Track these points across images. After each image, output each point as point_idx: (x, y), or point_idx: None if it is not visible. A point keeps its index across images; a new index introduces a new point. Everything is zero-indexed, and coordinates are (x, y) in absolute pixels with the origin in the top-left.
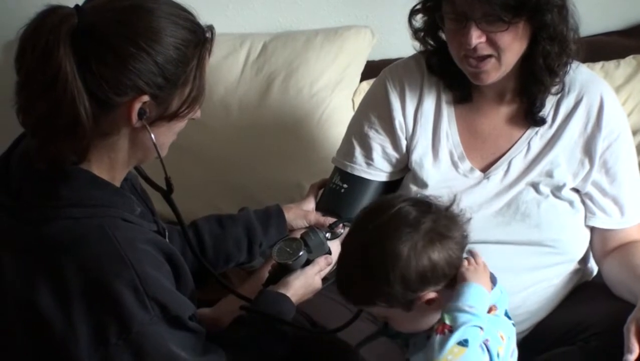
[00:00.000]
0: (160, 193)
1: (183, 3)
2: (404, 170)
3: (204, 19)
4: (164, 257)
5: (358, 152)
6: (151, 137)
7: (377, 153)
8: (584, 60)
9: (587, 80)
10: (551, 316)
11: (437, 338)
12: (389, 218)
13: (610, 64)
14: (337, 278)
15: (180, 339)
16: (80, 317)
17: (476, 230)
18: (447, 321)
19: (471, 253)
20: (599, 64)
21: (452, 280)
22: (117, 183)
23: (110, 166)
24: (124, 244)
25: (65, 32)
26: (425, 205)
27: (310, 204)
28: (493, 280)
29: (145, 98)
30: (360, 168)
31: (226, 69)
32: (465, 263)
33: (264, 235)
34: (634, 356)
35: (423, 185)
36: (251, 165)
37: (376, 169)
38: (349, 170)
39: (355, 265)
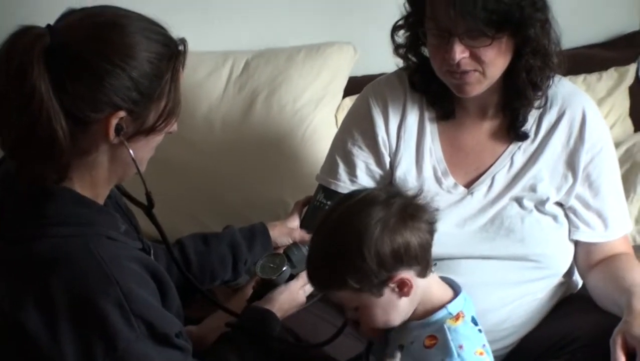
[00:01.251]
0: (142, 208)
1: (164, 19)
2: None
3: (186, 36)
4: (150, 274)
5: (342, 169)
6: (130, 153)
7: (360, 171)
8: (566, 73)
9: (569, 93)
10: (537, 330)
11: None
12: (359, 200)
13: (592, 77)
14: (308, 263)
15: (167, 357)
16: (66, 336)
17: (461, 245)
18: None
19: None
20: (581, 77)
21: (424, 268)
22: (101, 201)
23: (92, 184)
24: (109, 262)
25: (38, 52)
26: (394, 191)
27: (294, 221)
28: (457, 288)
29: (122, 113)
30: (344, 186)
31: (209, 86)
32: None
33: (248, 252)
34: None
35: None
36: (235, 182)
37: (360, 186)
38: (332, 188)
39: (329, 245)
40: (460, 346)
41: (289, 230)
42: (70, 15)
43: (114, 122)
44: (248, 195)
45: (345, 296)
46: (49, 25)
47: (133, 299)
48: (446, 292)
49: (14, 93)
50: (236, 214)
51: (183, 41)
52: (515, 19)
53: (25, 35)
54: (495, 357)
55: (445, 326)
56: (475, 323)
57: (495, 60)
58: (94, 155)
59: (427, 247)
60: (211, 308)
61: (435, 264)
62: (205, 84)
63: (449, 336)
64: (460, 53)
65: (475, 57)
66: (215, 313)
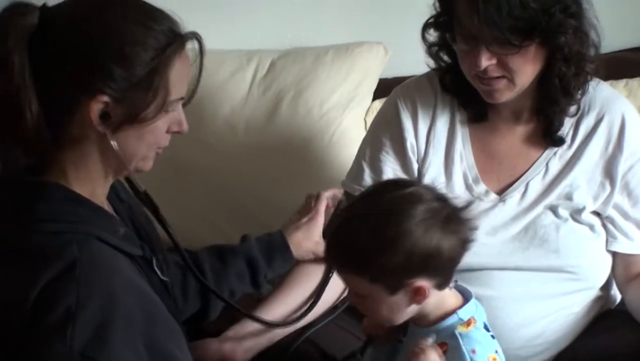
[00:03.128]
0: (146, 207)
1: (187, 17)
2: None
3: (210, 34)
4: (133, 287)
5: (368, 175)
6: (113, 143)
7: (387, 178)
8: (606, 78)
9: (608, 98)
10: (572, 346)
11: None
12: (407, 194)
13: (634, 82)
14: (332, 236)
15: None
16: (26, 328)
17: (492, 255)
18: None
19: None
20: (622, 82)
21: (444, 281)
22: (100, 198)
23: (87, 179)
24: (87, 266)
25: (21, 25)
26: (444, 198)
27: (318, 228)
28: (467, 295)
29: (104, 98)
30: None
31: (232, 87)
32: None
33: (267, 267)
34: None
35: None
36: (258, 188)
37: None
38: (357, 195)
39: (364, 229)
40: (473, 351)
41: (313, 245)
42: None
43: (96, 106)
44: (271, 201)
45: (356, 283)
46: (43, 4)
47: (85, 308)
48: (457, 299)
49: None
50: (258, 220)
51: (195, 35)
52: (543, 26)
53: (15, 8)
54: None
55: (457, 332)
56: (487, 330)
57: (524, 68)
58: (84, 146)
59: (455, 261)
60: (230, 320)
61: (456, 281)
62: (229, 85)
63: (461, 341)
64: (486, 60)
65: (502, 64)
66: (235, 326)
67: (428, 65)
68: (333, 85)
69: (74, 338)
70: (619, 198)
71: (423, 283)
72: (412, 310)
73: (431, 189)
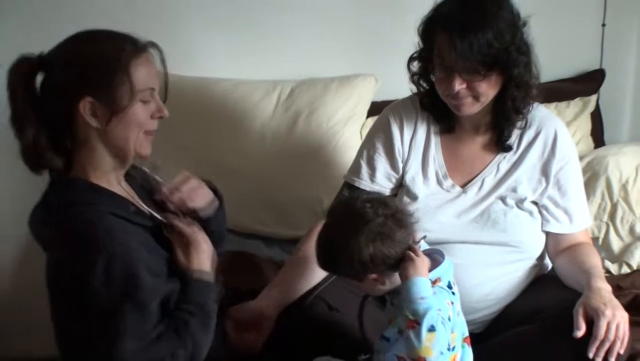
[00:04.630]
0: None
1: (227, 57)
2: (399, 186)
3: (244, 69)
4: (145, 249)
5: (364, 171)
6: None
7: (379, 173)
8: (542, 101)
9: (544, 117)
10: (515, 301)
11: (411, 333)
12: (351, 212)
13: (562, 104)
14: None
15: (136, 321)
16: (65, 288)
17: (457, 232)
18: (412, 317)
19: (411, 249)
20: (553, 104)
21: (391, 267)
22: (115, 185)
23: (101, 170)
24: (105, 233)
25: (23, 71)
26: (381, 206)
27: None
28: (442, 255)
29: (89, 99)
30: (366, 184)
31: (262, 107)
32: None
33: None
34: (582, 332)
35: (414, 197)
36: (281, 183)
37: (378, 185)
38: (356, 185)
39: (321, 249)
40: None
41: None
42: None
43: (85, 107)
44: (291, 194)
45: (339, 275)
46: (41, 53)
47: (117, 266)
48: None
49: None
50: (281, 207)
51: (154, 45)
52: (503, 61)
53: (19, 60)
54: (482, 322)
55: None
56: (450, 287)
57: (487, 91)
58: (90, 145)
59: (394, 256)
60: (263, 280)
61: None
62: (259, 106)
63: None
64: (458, 85)
65: (470, 88)
66: (268, 287)
67: (411, 90)
68: (337, 106)
69: (119, 285)
70: (551, 191)
71: (373, 276)
72: (383, 287)
73: (371, 203)
